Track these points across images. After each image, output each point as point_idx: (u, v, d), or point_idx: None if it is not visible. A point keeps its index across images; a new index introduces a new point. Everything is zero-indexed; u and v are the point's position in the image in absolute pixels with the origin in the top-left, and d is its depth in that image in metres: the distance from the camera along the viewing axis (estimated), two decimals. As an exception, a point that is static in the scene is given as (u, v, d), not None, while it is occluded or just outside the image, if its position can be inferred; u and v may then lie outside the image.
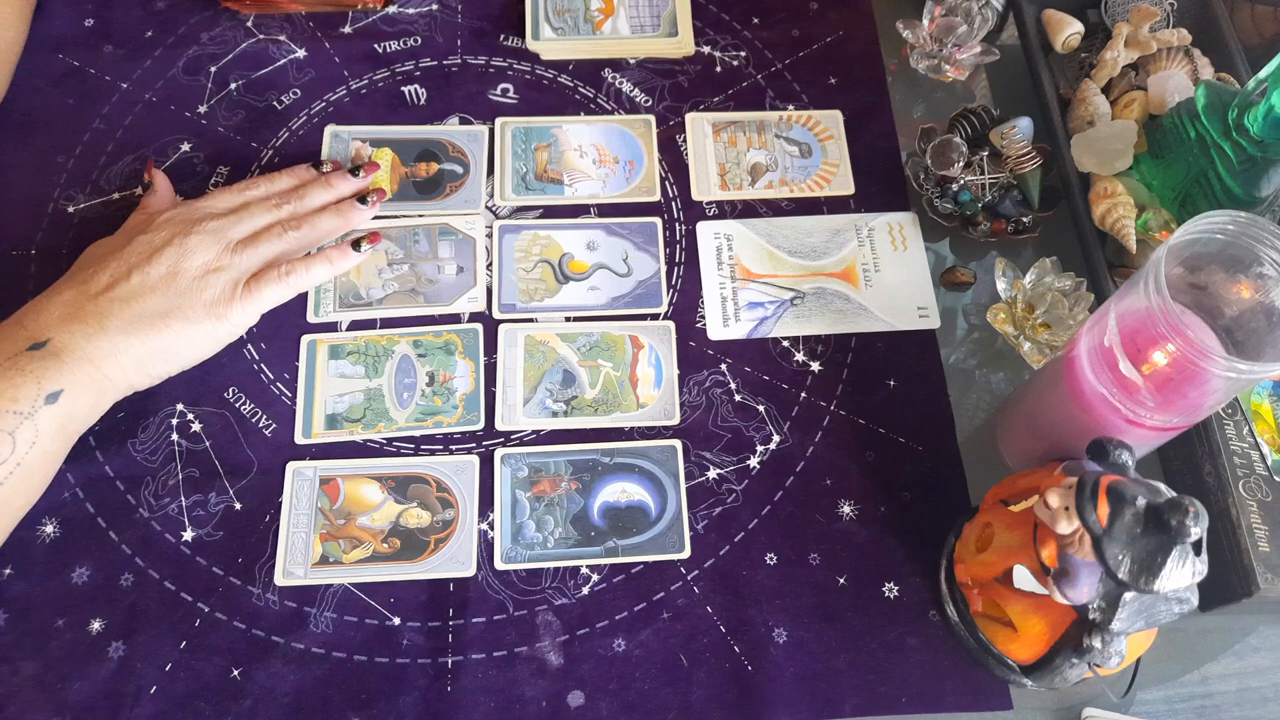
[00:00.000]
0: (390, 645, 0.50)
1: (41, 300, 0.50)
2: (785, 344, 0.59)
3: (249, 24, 0.68)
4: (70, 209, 0.60)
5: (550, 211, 0.62)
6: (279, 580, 0.51)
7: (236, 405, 0.55)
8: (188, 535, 0.52)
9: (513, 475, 0.54)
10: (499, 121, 0.65)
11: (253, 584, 0.51)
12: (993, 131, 0.62)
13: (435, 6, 0.70)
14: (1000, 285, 0.58)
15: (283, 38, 0.68)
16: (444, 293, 0.59)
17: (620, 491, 0.54)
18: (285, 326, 0.57)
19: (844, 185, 0.64)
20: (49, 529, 0.51)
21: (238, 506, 0.52)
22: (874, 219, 0.63)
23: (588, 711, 0.49)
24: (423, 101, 0.66)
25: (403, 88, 0.66)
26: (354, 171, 0.59)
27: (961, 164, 0.61)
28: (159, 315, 0.50)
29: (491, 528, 0.53)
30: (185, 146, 0.63)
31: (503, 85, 0.67)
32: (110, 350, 0.48)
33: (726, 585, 0.52)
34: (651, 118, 0.66)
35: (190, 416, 0.55)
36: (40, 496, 0.49)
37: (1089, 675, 0.44)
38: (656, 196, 0.63)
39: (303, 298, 0.58)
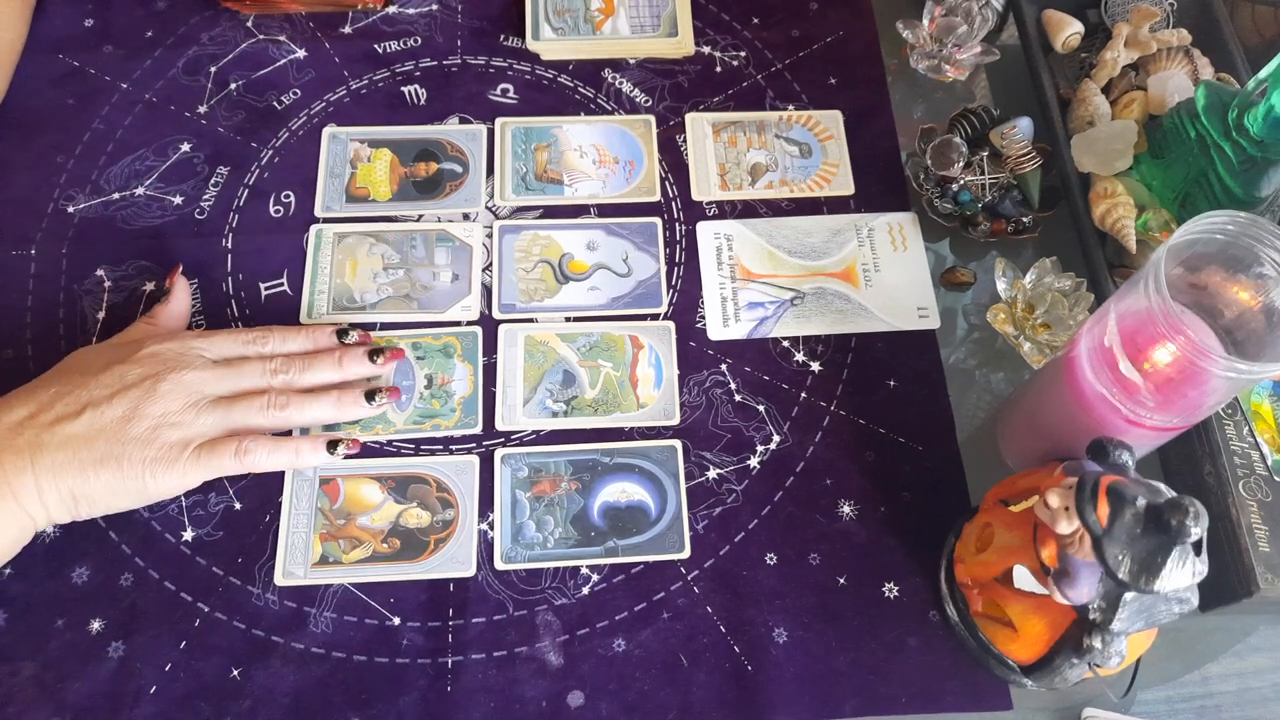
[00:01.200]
0: (390, 645, 0.50)
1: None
2: (785, 344, 0.59)
3: (249, 24, 0.68)
4: (70, 209, 0.60)
5: (550, 212, 0.62)
6: (279, 580, 0.51)
7: (236, 405, 0.55)
8: (188, 535, 0.52)
9: (513, 475, 0.54)
10: (499, 121, 0.65)
11: (252, 584, 0.51)
12: (993, 131, 0.62)
13: (435, 6, 0.70)
14: (1000, 285, 0.58)
15: (283, 38, 0.68)
16: (438, 300, 0.59)
17: (620, 491, 0.54)
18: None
19: (844, 185, 0.64)
20: (49, 529, 0.51)
21: (237, 506, 0.52)
22: (874, 219, 0.63)
23: (588, 711, 0.49)
24: (423, 102, 0.66)
25: (403, 88, 0.66)
26: (373, 355, 0.53)
27: (961, 164, 0.61)
28: (94, 462, 0.46)
29: (491, 528, 0.53)
30: (185, 146, 0.63)
31: (503, 85, 0.67)
32: (35, 490, 0.46)
33: (726, 585, 0.52)
34: (651, 118, 0.66)
35: (190, 416, 0.55)
36: None
37: (1089, 675, 0.44)
38: (656, 196, 0.63)
39: (297, 300, 0.58)
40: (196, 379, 0.49)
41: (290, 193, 0.62)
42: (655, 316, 0.59)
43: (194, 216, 0.61)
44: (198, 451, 0.48)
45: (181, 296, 0.55)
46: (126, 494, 0.48)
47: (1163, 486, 0.40)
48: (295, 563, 0.51)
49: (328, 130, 0.64)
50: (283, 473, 0.53)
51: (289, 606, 0.50)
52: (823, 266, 0.61)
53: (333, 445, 0.51)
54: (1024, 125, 0.62)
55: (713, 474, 0.55)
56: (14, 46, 0.64)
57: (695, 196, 0.63)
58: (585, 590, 0.51)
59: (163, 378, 0.48)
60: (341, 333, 0.54)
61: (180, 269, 0.56)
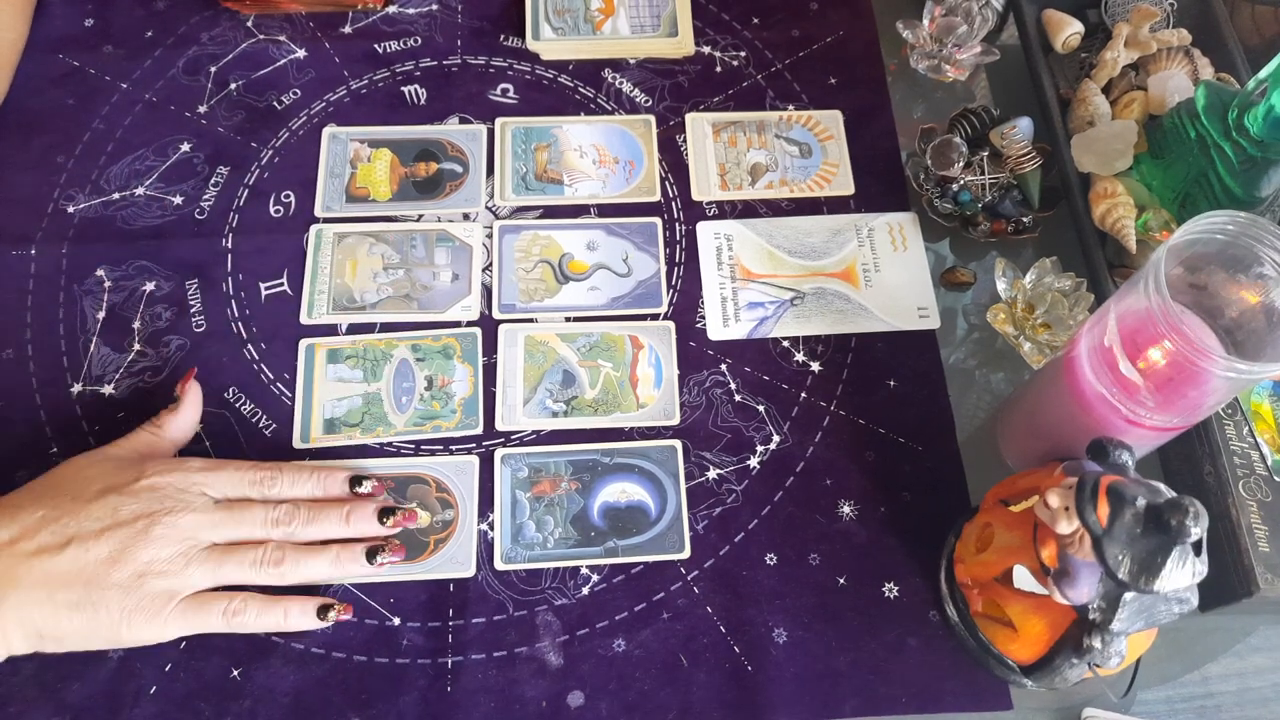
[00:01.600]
0: (390, 645, 0.50)
1: None
2: (785, 344, 0.59)
3: (249, 24, 0.68)
4: (70, 209, 0.60)
5: (550, 212, 0.62)
6: (279, 580, 0.51)
7: (236, 405, 0.55)
8: (188, 535, 0.51)
9: (513, 475, 0.54)
10: (499, 121, 0.65)
11: (253, 584, 0.51)
12: (993, 131, 0.62)
13: (435, 6, 0.70)
14: (1000, 285, 0.58)
15: (283, 38, 0.68)
16: (438, 300, 0.59)
17: (620, 492, 0.54)
18: (285, 327, 0.57)
19: (844, 185, 0.64)
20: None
21: (238, 507, 0.52)
22: (874, 219, 0.63)
23: (588, 712, 0.49)
24: (423, 101, 0.66)
25: (403, 88, 0.66)
26: (383, 515, 0.50)
27: (961, 164, 0.61)
28: (69, 605, 0.43)
29: (491, 528, 0.53)
30: (185, 146, 0.63)
31: (503, 85, 0.67)
32: (0, 624, 0.43)
33: (726, 585, 0.52)
34: (651, 118, 0.66)
35: (190, 417, 0.54)
36: None
37: (1089, 675, 0.44)
38: (656, 196, 0.63)
39: (297, 300, 0.58)
40: (193, 524, 0.45)
41: (290, 193, 0.62)
42: (655, 316, 0.59)
43: (194, 216, 0.61)
44: (183, 605, 0.45)
45: (192, 407, 0.52)
46: (98, 639, 0.45)
47: (1163, 486, 0.40)
48: (295, 563, 0.51)
49: (328, 130, 0.64)
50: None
51: (289, 606, 0.50)
52: (823, 266, 0.61)
53: (324, 611, 0.48)
54: (1024, 125, 0.62)
55: (713, 474, 0.55)
56: (15, 46, 0.64)
57: (695, 196, 0.63)
58: (585, 590, 0.51)
59: (158, 520, 0.45)
60: (355, 481, 0.50)
61: (194, 375, 0.53)
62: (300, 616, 0.48)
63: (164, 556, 0.45)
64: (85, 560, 0.43)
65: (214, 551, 0.46)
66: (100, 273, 0.58)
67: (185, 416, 0.51)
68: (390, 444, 0.54)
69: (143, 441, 0.50)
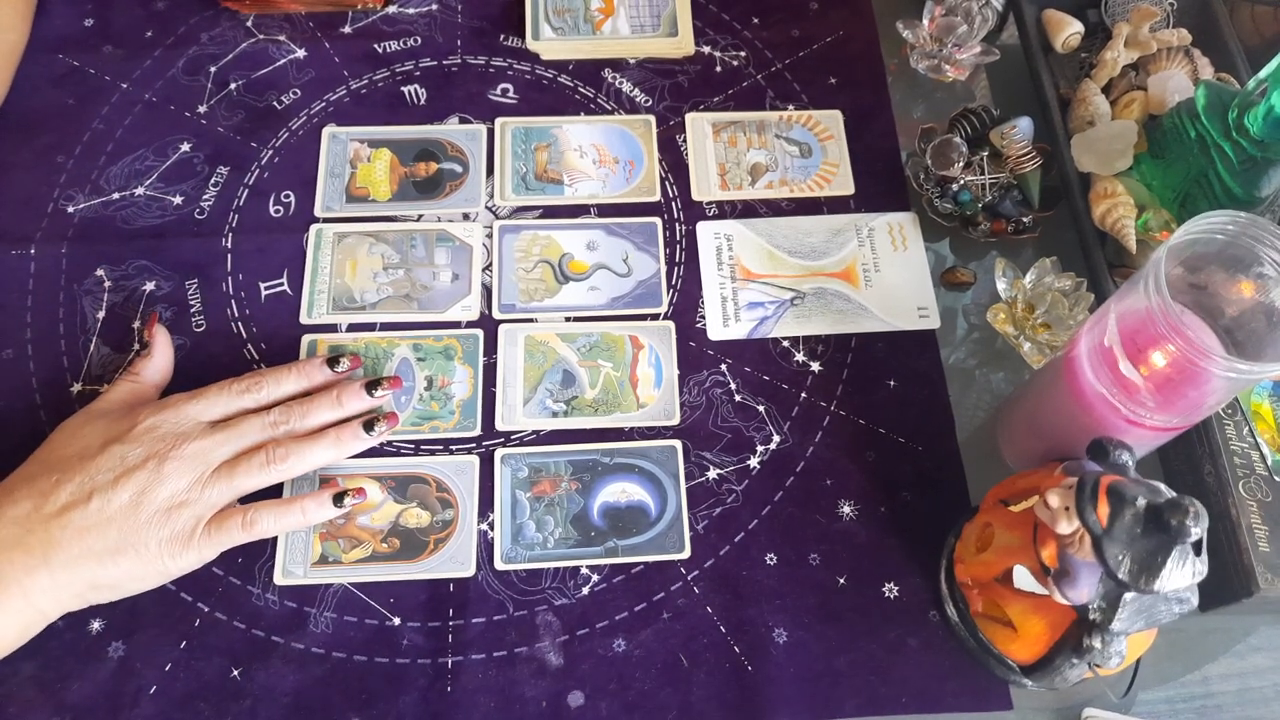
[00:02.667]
0: (390, 645, 0.50)
1: None
2: (785, 344, 0.59)
3: (249, 24, 0.68)
4: (70, 209, 0.60)
5: (550, 211, 0.62)
6: (279, 580, 0.51)
7: (236, 405, 0.55)
8: (187, 535, 0.51)
9: (513, 475, 0.54)
10: (499, 121, 0.65)
11: (252, 584, 0.51)
12: (993, 131, 0.62)
13: (435, 6, 0.70)
14: (1000, 285, 0.58)
15: (282, 38, 0.68)
16: (438, 300, 0.59)
17: (620, 492, 0.54)
18: (285, 326, 0.57)
19: (844, 185, 0.64)
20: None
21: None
22: (874, 219, 0.63)
23: (588, 711, 0.49)
24: (423, 101, 0.66)
25: (403, 88, 0.66)
26: (371, 387, 0.52)
27: (961, 164, 0.61)
28: (110, 551, 0.45)
29: (491, 528, 0.53)
30: (185, 146, 0.63)
31: (503, 85, 0.67)
32: (50, 585, 0.44)
33: (726, 585, 0.52)
34: (651, 118, 0.66)
35: (190, 416, 0.55)
36: None
37: (1089, 675, 0.44)
38: (656, 196, 0.63)
39: (297, 300, 0.58)
40: (199, 450, 0.48)
41: (290, 192, 0.62)
42: (655, 316, 0.59)
43: (194, 216, 0.61)
44: (209, 527, 0.47)
45: (163, 349, 0.53)
46: (147, 578, 0.47)
47: (1163, 486, 0.40)
48: (295, 562, 0.51)
49: (328, 130, 0.64)
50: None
51: (289, 606, 0.50)
52: (823, 266, 0.61)
53: (339, 498, 0.50)
54: (1024, 125, 0.62)
55: (713, 474, 0.55)
56: (16, 48, 0.64)
57: (695, 196, 0.63)
58: (585, 590, 0.51)
59: (165, 457, 0.47)
60: (332, 362, 0.53)
61: (158, 317, 0.55)
62: (317, 509, 0.50)
63: (182, 487, 0.47)
64: (111, 509, 0.45)
65: (223, 469, 0.48)
66: (100, 273, 0.58)
67: (159, 360, 0.53)
68: (390, 443, 0.54)
69: (125, 391, 0.51)
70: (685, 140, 0.65)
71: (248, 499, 0.50)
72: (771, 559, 0.53)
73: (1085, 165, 0.60)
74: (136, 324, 0.57)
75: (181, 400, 0.50)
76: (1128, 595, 0.39)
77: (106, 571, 0.45)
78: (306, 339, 0.57)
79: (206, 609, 0.50)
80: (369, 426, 0.51)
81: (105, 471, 0.46)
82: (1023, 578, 0.45)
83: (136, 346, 0.56)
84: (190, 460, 0.47)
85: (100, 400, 0.51)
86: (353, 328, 0.58)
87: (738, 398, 0.57)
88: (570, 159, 0.64)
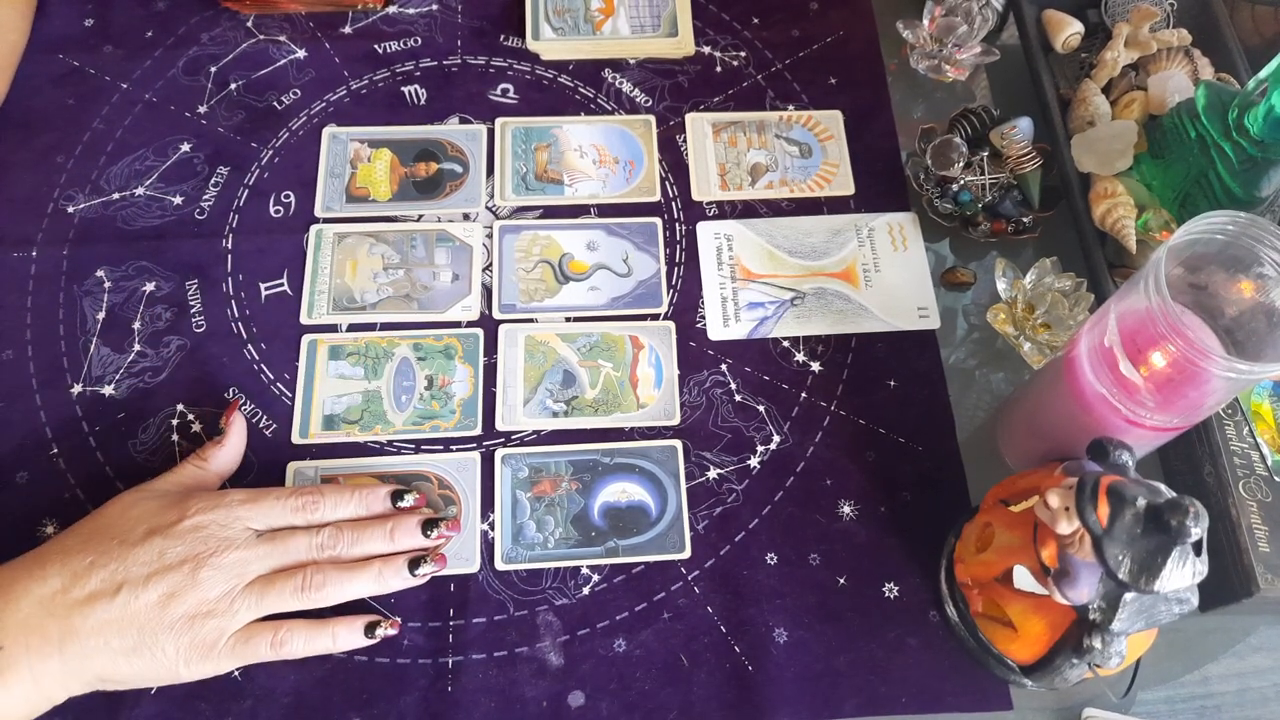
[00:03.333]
0: (391, 645, 0.50)
1: (22, 574, 0.44)
2: (785, 344, 0.59)
3: (249, 24, 0.68)
4: (70, 209, 0.60)
5: (550, 212, 0.62)
6: (279, 580, 0.51)
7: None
8: (188, 535, 0.51)
9: (513, 475, 0.54)
10: (499, 121, 0.65)
11: (253, 584, 0.51)
12: (993, 131, 0.62)
13: (435, 6, 0.70)
14: (1000, 285, 0.58)
15: (283, 38, 0.68)
16: (438, 300, 0.59)
17: (620, 492, 0.54)
18: (285, 327, 0.57)
19: (844, 185, 0.64)
20: (50, 529, 0.51)
21: (238, 507, 0.52)
22: (874, 219, 0.63)
23: (588, 711, 0.49)
24: (423, 102, 0.66)
25: (403, 88, 0.66)
26: (428, 527, 0.50)
27: (961, 164, 0.61)
28: (126, 650, 0.44)
29: (492, 528, 0.53)
30: (185, 146, 0.63)
31: (503, 85, 0.67)
32: (60, 673, 0.43)
33: (727, 585, 0.52)
34: (651, 118, 0.66)
35: (190, 416, 0.55)
36: None
37: (1089, 675, 0.45)
38: (656, 197, 0.63)
39: (297, 300, 0.58)
40: (239, 561, 0.46)
41: (290, 193, 0.62)
42: (655, 316, 0.59)
43: (194, 216, 0.61)
44: (233, 640, 0.46)
45: (237, 439, 0.52)
46: (158, 679, 0.46)
47: (1163, 486, 0.40)
48: (295, 563, 0.51)
49: (328, 130, 0.64)
50: (283, 473, 0.53)
51: (289, 607, 0.50)
52: (823, 266, 0.61)
53: (370, 629, 0.48)
54: (1024, 125, 0.62)
55: (713, 474, 0.55)
56: (16, 48, 0.64)
57: (695, 196, 0.63)
58: (586, 590, 0.51)
59: (204, 562, 0.45)
60: (397, 496, 0.51)
61: (238, 406, 0.53)
62: (349, 636, 0.48)
63: (212, 597, 0.45)
64: (136, 606, 0.44)
65: (257, 584, 0.46)
66: (100, 273, 0.58)
67: (230, 449, 0.51)
68: (390, 442, 0.54)
69: (189, 475, 0.50)
70: (685, 140, 0.65)
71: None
72: (772, 559, 0.53)
73: (1085, 165, 0.60)
74: (149, 288, 0.55)
75: (235, 502, 0.47)
76: (1128, 595, 0.39)
77: (118, 668, 0.44)
78: (306, 339, 0.57)
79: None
80: (414, 566, 0.49)
81: (140, 565, 0.44)
82: (1023, 578, 0.45)
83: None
84: (227, 570, 0.45)
85: (160, 479, 0.49)
86: (353, 328, 0.58)
87: (738, 398, 0.57)
88: (570, 159, 0.64)
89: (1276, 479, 0.50)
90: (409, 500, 0.51)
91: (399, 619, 0.49)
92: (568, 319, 0.59)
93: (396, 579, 0.49)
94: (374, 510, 0.50)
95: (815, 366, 0.58)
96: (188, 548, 0.45)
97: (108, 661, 0.44)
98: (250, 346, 0.57)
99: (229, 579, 0.45)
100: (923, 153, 0.63)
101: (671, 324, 0.59)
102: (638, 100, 0.67)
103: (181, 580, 0.44)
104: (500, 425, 0.55)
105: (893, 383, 0.58)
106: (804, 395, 0.57)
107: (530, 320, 0.59)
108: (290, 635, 0.47)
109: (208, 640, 0.45)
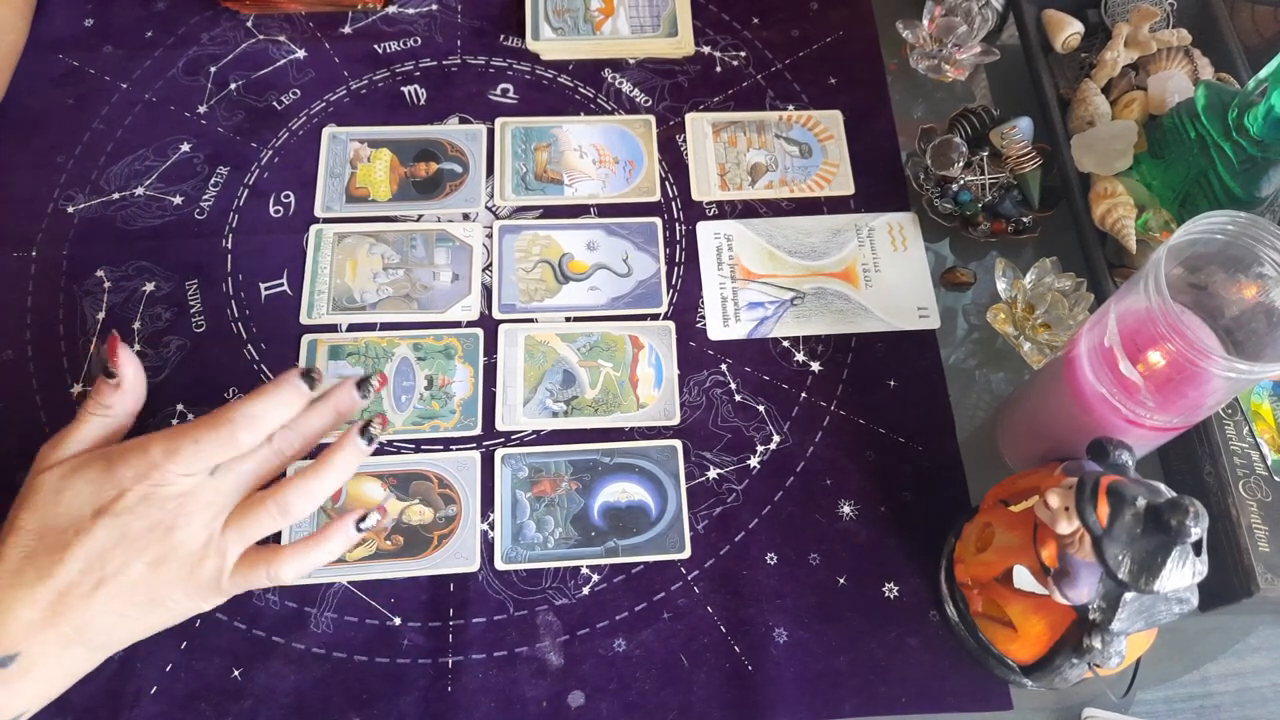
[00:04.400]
0: (391, 645, 0.50)
1: (5, 587, 0.42)
2: (785, 344, 0.59)
3: (249, 24, 0.68)
4: (70, 209, 0.60)
5: (550, 211, 0.62)
6: (279, 580, 0.51)
7: (237, 405, 0.55)
8: (188, 535, 0.51)
9: (513, 475, 0.54)
10: (499, 121, 0.65)
11: (253, 584, 0.51)
12: (993, 131, 0.62)
13: (435, 6, 0.70)
14: (1000, 285, 0.58)
15: (283, 38, 0.68)
16: (438, 300, 0.59)
17: (620, 491, 0.54)
18: (285, 327, 0.57)
19: (844, 185, 0.64)
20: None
21: (238, 507, 0.52)
22: (874, 219, 0.63)
23: (588, 711, 0.49)
24: (423, 102, 0.66)
25: (403, 88, 0.66)
26: (361, 388, 0.48)
27: (961, 164, 0.61)
28: (142, 609, 0.43)
29: (492, 528, 0.53)
30: (185, 146, 0.63)
31: (503, 85, 0.67)
32: (87, 662, 0.43)
33: (727, 585, 0.52)
34: (651, 118, 0.66)
35: (191, 416, 0.55)
36: None
37: (1089, 675, 0.45)
38: (656, 196, 0.63)
39: (297, 300, 0.58)
40: (205, 506, 0.44)
41: (290, 193, 0.62)
42: (655, 316, 0.59)
43: (194, 216, 0.61)
44: (232, 574, 0.45)
45: (133, 375, 0.47)
46: (184, 617, 0.46)
47: (1163, 486, 0.40)
48: (295, 563, 0.51)
49: (328, 130, 0.64)
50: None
51: (290, 607, 0.50)
52: (823, 266, 0.61)
53: (360, 521, 0.46)
54: (1024, 125, 0.62)
55: (713, 474, 0.55)
56: (15, 48, 0.64)
57: (695, 196, 0.63)
58: (585, 590, 0.51)
59: (173, 524, 0.43)
60: (306, 378, 0.46)
61: (118, 339, 0.47)
62: (343, 540, 0.46)
63: (197, 548, 0.44)
64: (132, 580, 0.43)
65: (234, 519, 0.45)
66: (100, 273, 0.58)
67: (130, 389, 0.47)
68: (390, 443, 0.54)
69: (97, 426, 0.47)
70: (685, 140, 0.65)
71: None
72: (771, 559, 0.53)
73: (1085, 165, 0.60)
74: (148, 289, 0.54)
75: (161, 460, 0.44)
76: (1128, 595, 0.39)
77: (142, 625, 0.44)
78: (306, 339, 0.57)
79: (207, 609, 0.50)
80: (364, 432, 0.47)
81: (111, 546, 0.43)
82: (1023, 578, 0.45)
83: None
84: (198, 520, 0.44)
85: (69, 439, 0.46)
86: (353, 328, 0.58)
87: (738, 398, 0.57)
88: (570, 159, 0.64)
89: (1276, 479, 0.50)
90: (320, 376, 0.47)
91: (387, 506, 0.49)
92: (568, 319, 0.59)
93: (354, 453, 0.46)
94: (293, 404, 0.46)
95: (815, 366, 0.58)
96: (150, 520, 0.43)
97: (130, 625, 0.44)
98: (250, 346, 0.57)
99: (204, 527, 0.44)
100: (923, 153, 0.63)
101: (671, 324, 0.59)
102: (637, 100, 0.67)
103: (159, 547, 0.43)
104: (500, 425, 0.55)
105: (893, 383, 0.58)
106: (804, 395, 0.57)
107: (530, 320, 0.59)
108: (284, 563, 0.45)
109: (210, 580, 0.44)
